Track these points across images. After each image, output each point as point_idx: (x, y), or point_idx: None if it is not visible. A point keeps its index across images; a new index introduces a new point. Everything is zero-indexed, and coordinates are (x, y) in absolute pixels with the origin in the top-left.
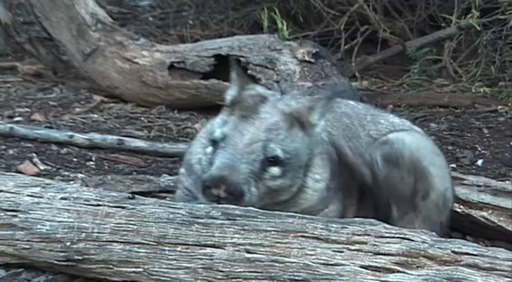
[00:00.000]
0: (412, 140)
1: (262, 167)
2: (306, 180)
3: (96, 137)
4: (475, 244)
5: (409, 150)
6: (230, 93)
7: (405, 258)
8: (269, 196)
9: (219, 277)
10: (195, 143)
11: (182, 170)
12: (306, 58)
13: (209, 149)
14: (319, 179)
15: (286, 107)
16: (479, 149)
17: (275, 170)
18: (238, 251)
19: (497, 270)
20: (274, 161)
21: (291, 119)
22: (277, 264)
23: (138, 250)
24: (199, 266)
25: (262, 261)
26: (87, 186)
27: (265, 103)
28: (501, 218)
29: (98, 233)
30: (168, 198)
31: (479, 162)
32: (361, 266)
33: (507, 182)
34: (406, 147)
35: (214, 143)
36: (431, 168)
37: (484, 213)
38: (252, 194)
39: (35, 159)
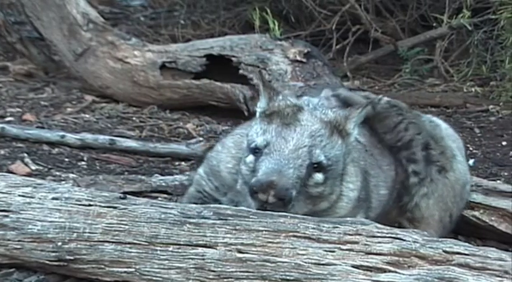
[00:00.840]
0: (444, 125)
1: (308, 172)
2: (342, 188)
3: (88, 137)
4: (467, 244)
5: (444, 125)
6: (260, 105)
7: (397, 258)
8: (310, 203)
9: (210, 277)
10: (222, 150)
11: (202, 172)
12: (298, 58)
13: (250, 158)
14: (353, 188)
15: (324, 115)
16: (471, 148)
17: (319, 177)
18: (230, 250)
19: (488, 269)
20: (317, 167)
21: (331, 127)
22: (268, 264)
23: (130, 250)
24: (191, 266)
25: (254, 261)
26: (78, 186)
27: (303, 112)
28: (492, 218)
29: (89, 233)
30: (159, 198)
31: (471, 161)
32: (353, 266)
33: (498, 181)
34: (442, 123)
35: (256, 151)
36: (458, 153)
37: (476, 213)
38: (298, 200)
39: (27, 159)
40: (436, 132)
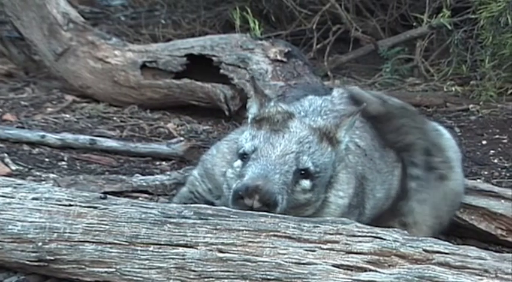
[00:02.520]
0: (449, 136)
1: (295, 179)
2: (328, 195)
3: (68, 137)
4: (447, 242)
5: (447, 135)
6: (252, 111)
7: (377, 257)
8: (295, 210)
9: (191, 277)
10: (217, 154)
11: (196, 174)
12: (278, 57)
13: (237, 163)
14: (342, 196)
15: (313, 122)
16: None
17: (306, 183)
18: (211, 250)
19: (468, 268)
20: (305, 173)
21: (321, 134)
22: (249, 263)
23: (110, 250)
24: (172, 266)
25: (235, 261)
26: (59, 186)
27: (293, 119)
28: (473, 217)
29: (69, 233)
30: (140, 198)
31: None
32: (333, 265)
33: (478, 180)
34: (445, 133)
35: (244, 156)
36: (457, 165)
37: (456, 212)
38: (284, 205)
39: (7, 160)
40: (439, 141)
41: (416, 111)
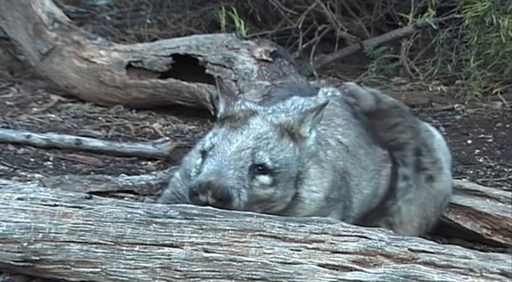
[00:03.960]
0: (439, 136)
1: (251, 174)
2: (300, 191)
3: (54, 137)
4: (432, 242)
5: (438, 136)
6: (219, 111)
7: (362, 257)
8: (260, 206)
9: (177, 277)
10: (194, 154)
11: (178, 175)
12: (264, 57)
13: (199, 161)
14: (316, 190)
15: (275, 118)
16: None
17: (264, 179)
18: (196, 250)
19: (453, 267)
20: (263, 169)
21: (281, 130)
22: (235, 263)
23: (96, 250)
24: (157, 266)
25: (220, 260)
26: (44, 186)
27: (256, 116)
28: (458, 216)
29: (55, 233)
30: (126, 198)
31: None
32: (319, 265)
33: (464, 180)
34: (437, 134)
35: (204, 153)
36: (446, 166)
37: (443, 213)
38: (241, 201)
39: None
40: (430, 141)
41: (408, 110)
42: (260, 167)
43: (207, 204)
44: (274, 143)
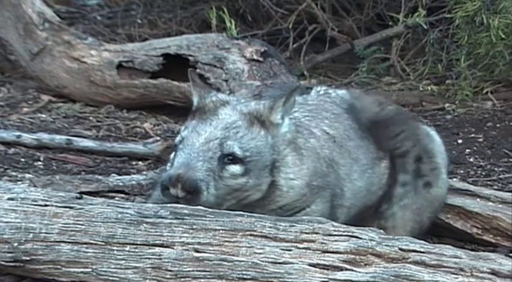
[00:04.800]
0: (438, 139)
1: (221, 164)
2: (277, 179)
3: (44, 137)
4: (422, 241)
5: (438, 140)
6: (194, 104)
7: (353, 256)
8: (234, 196)
9: (168, 276)
10: None
11: None
12: (255, 57)
13: (172, 155)
14: (294, 177)
15: (245, 107)
16: None
17: (235, 168)
18: (187, 250)
19: (444, 267)
20: (233, 158)
21: (251, 118)
22: (225, 263)
23: (87, 250)
24: (148, 266)
25: (211, 260)
26: (35, 186)
27: (226, 106)
28: (448, 215)
29: (45, 233)
30: (116, 198)
31: None
32: (310, 264)
33: (454, 179)
34: (431, 138)
35: (176, 147)
36: (444, 171)
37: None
38: (211, 193)
39: None
40: (430, 147)
41: (411, 115)
42: (230, 157)
43: (177, 197)
44: (243, 131)
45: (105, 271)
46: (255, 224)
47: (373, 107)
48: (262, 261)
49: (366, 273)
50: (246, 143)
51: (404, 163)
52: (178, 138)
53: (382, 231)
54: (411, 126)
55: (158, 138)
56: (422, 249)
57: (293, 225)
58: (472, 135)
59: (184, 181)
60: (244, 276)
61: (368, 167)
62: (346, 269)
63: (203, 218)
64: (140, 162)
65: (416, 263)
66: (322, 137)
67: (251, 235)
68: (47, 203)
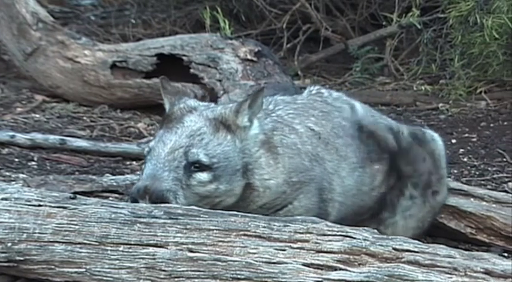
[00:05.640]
0: (442, 144)
1: (187, 173)
2: (252, 181)
3: (38, 137)
4: (416, 241)
5: (438, 146)
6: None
7: (347, 256)
8: (205, 203)
9: (161, 276)
10: None
11: None
12: (248, 57)
13: (143, 166)
14: (268, 178)
15: (211, 113)
16: None
17: (202, 176)
18: (181, 250)
19: (437, 266)
20: (199, 166)
21: (216, 124)
22: (219, 263)
23: (80, 250)
24: (142, 266)
25: (205, 260)
26: (28, 186)
27: (192, 113)
28: (442, 215)
29: (39, 233)
30: (110, 198)
31: None
32: (304, 264)
33: (448, 179)
34: (436, 143)
35: (145, 158)
36: (445, 176)
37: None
38: (180, 202)
39: None
40: (437, 156)
41: (426, 138)
42: (196, 165)
43: None
44: (209, 137)
45: (99, 271)
46: (249, 224)
47: (389, 140)
48: (256, 261)
49: (360, 273)
50: (212, 150)
51: (418, 180)
52: (146, 149)
53: (376, 231)
54: (426, 146)
55: (152, 138)
56: (416, 249)
57: (287, 225)
58: (466, 135)
59: (151, 193)
60: (238, 276)
61: (358, 165)
62: (340, 269)
63: (197, 218)
64: (134, 162)
65: (410, 262)
66: (306, 133)
67: (245, 235)
68: (41, 203)
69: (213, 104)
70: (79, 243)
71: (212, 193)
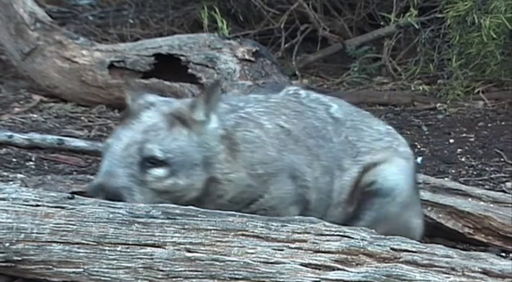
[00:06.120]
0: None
1: (142, 169)
2: (215, 175)
3: (36, 137)
4: (414, 241)
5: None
6: None
7: (345, 256)
8: (166, 198)
9: (159, 276)
10: None
11: None
12: (246, 57)
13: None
14: (229, 172)
15: (168, 108)
16: (419, 146)
17: (158, 171)
18: (179, 250)
19: (435, 266)
20: (154, 162)
21: (172, 119)
22: (217, 263)
23: (78, 250)
24: (140, 266)
25: (203, 260)
26: (26, 186)
27: (150, 108)
28: (440, 215)
29: (37, 233)
30: None
31: (419, 159)
32: (301, 264)
33: (446, 179)
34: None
35: (102, 155)
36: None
37: (424, 210)
38: (137, 198)
39: None
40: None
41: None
42: (151, 160)
43: None
44: (164, 133)
45: (96, 271)
46: (247, 223)
47: None
48: (254, 261)
49: (358, 273)
50: (168, 145)
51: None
52: (104, 146)
53: (373, 231)
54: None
55: None
56: (413, 249)
57: (285, 225)
58: (464, 134)
59: (106, 191)
60: (236, 276)
61: (329, 169)
62: (338, 269)
63: (195, 218)
64: None
65: (407, 262)
66: (273, 129)
67: (243, 235)
68: (39, 203)
69: (172, 99)
70: (77, 243)
71: (170, 188)
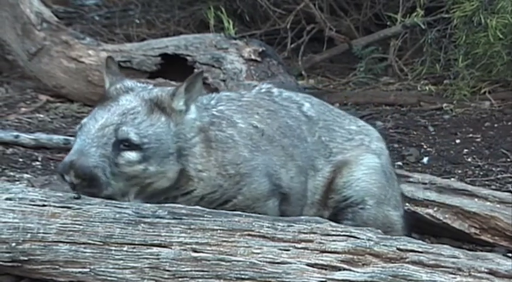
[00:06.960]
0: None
1: (116, 150)
2: (187, 169)
3: (42, 137)
4: (420, 241)
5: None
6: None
7: (351, 256)
8: (134, 183)
9: (165, 276)
10: None
11: None
12: (253, 57)
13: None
14: (202, 169)
15: (147, 94)
16: (425, 146)
17: (131, 155)
18: (185, 250)
19: (441, 266)
20: (129, 145)
21: (151, 105)
22: (223, 263)
23: (84, 250)
24: (146, 266)
25: (209, 260)
26: (33, 186)
27: (129, 93)
28: (446, 215)
29: (43, 233)
30: None
31: (425, 159)
32: (308, 264)
33: (452, 179)
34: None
35: (75, 134)
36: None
37: (430, 211)
38: (109, 179)
39: None
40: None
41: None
42: (126, 143)
43: (73, 184)
44: (142, 117)
45: (103, 271)
46: (253, 224)
47: None
48: (260, 261)
49: (364, 273)
50: (144, 130)
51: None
52: (78, 126)
53: (379, 231)
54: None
55: None
56: (420, 249)
57: (291, 225)
58: (470, 135)
59: (76, 168)
60: (242, 276)
61: (303, 169)
62: (344, 269)
63: (201, 218)
64: None
65: (414, 262)
66: (246, 129)
67: (249, 235)
68: (45, 203)
69: (151, 86)
70: (83, 243)
71: (140, 173)
